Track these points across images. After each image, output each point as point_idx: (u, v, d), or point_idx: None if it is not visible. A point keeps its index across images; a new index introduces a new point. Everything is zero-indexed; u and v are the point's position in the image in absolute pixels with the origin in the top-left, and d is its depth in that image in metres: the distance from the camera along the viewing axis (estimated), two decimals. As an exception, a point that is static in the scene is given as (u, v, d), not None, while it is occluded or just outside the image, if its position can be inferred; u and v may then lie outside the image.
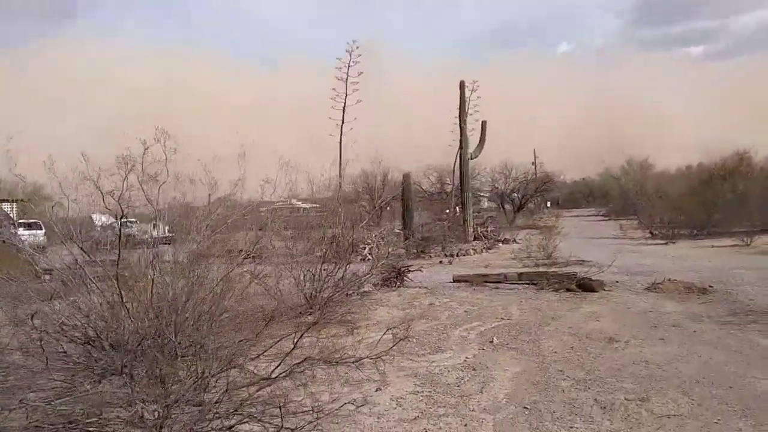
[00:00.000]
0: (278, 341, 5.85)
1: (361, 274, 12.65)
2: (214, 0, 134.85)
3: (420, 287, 14.91)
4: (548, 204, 66.23)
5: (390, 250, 26.83)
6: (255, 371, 5.73)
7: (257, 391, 5.20)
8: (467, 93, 32.41)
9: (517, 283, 14.69)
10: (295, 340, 5.45)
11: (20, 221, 35.70)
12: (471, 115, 32.41)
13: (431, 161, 48.22)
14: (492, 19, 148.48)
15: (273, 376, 5.37)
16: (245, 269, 8.79)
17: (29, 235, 34.52)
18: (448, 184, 42.52)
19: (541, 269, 15.97)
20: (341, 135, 29.29)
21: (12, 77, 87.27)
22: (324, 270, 11.74)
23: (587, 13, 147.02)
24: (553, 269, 16.28)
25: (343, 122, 29.46)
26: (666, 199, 33.69)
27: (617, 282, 14.72)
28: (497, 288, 14.51)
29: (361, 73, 30.36)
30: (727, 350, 8.53)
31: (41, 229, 36.83)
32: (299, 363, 5.40)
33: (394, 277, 14.92)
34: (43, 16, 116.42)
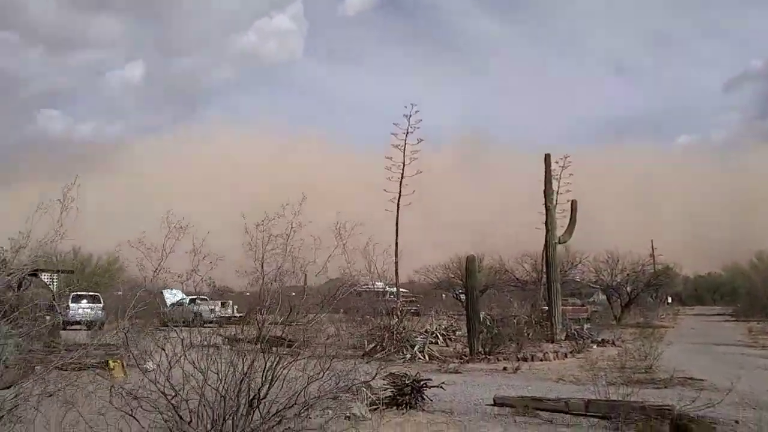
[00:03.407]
0: None
1: (337, 389, 8.59)
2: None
3: (442, 412, 10.62)
4: (669, 300, 59.19)
5: (446, 346, 22.87)
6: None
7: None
8: (557, 168, 28.12)
9: (584, 415, 10.13)
10: None
11: (78, 293, 34.36)
12: (561, 194, 28.00)
13: (526, 248, 43.64)
14: (605, 114, 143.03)
15: None
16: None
17: (87, 309, 32.68)
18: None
19: (623, 394, 11.04)
20: (398, 210, 25.54)
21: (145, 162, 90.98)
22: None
23: (705, 107, 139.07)
24: (640, 396, 11.40)
25: (400, 195, 25.70)
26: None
27: (737, 422, 9.79)
28: (551, 421, 10.01)
29: (422, 140, 26.74)
30: None
31: (100, 302, 34.87)
32: None
33: (408, 393, 10.71)
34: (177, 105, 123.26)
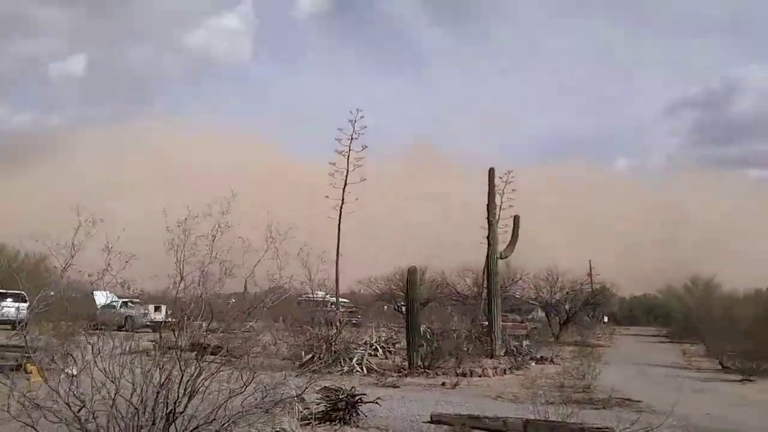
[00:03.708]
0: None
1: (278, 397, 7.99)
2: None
3: (377, 429, 10.13)
4: (605, 319, 60.06)
5: (385, 359, 22.41)
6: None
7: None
8: (500, 183, 28.00)
9: (522, 435, 9.80)
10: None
11: (1, 291, 32.56)
12: (504, 209, 27.87)
13: (468, 260, 43.53)
14: (547, 132, 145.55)
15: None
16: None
17: (12, 308, 30.99)
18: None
19: (562, 414, 10.75)
20: (340, 217, 24.89)
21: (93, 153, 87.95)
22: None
23: (645, 130, 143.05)
24: (580, 417, 11.13)
25: (342, 202, 25.08)
26: (738, 324, 27.92)
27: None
28: (490, 441, 9.64)
29: (366, 146, 26.11)
30: None
31: (25, 301, 33.16)
32: None
33: (343, 409, 10.18)
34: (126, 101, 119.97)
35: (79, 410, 6.42)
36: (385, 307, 51.69)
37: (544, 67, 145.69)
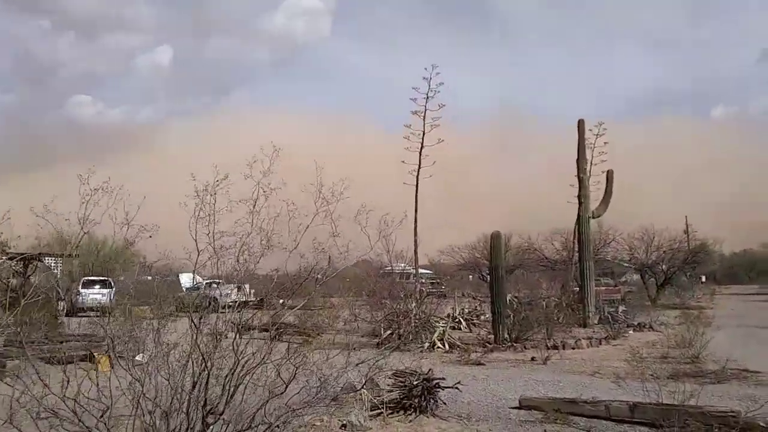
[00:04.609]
0: None
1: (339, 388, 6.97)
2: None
3: (458, 417, 8.94)
4: (703, 279, 56.63)
5: (469, 332, 21.12)
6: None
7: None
8: (591, 136, 25.93)
9: (629, 422, 8.41)
10: None
11: (89, 279, 33.15)
12: (596, 164, 25.83)
13: (556, 223, 41.53)
14: (641, 86, 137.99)
15: None
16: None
17: (98, 294, 31.52)
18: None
19: (674, 393, 9.16)
20: (417, 182, 23.31)
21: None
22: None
23: (742, 79, 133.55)
24: (697, 396, 9.52)
25: (419, 167, 23.41)
26: None
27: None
28: (588, 431, 8.28)
29: (443, 105, 24.12)
30: None
31: (111, 287, 33.74)
32: None
33: (418, 395, 9.05)
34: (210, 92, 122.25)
35: (101, 415, 5.56)
36: (471, 277, 50.35)
37: (637, 22, 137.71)
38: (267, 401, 5.82)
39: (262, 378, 6.19)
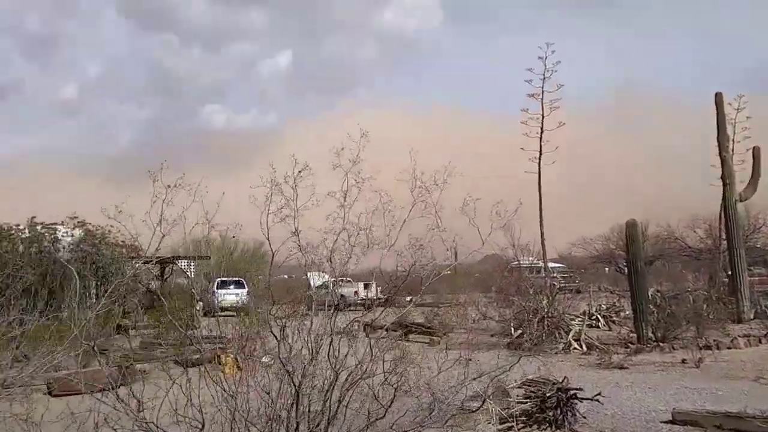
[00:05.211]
0: None
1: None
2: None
3: (600, 434, 7.90)
4: None
5: (608, 330, 19.52)
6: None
7: None
8: (731, 111, 23.38)
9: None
10: None
11: (223, 279, 34.36)
12: (738, 142, 23.30)
13: (697, 209, 38.41)
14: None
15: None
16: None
17: (233, 295, 32.66)
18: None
19: None
20: (539, 170, 21.80)
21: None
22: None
23: None
24: None
25: (540, 152, 21.86)
26: None
27: None
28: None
29: (562, 85, 22.29)
30: None
31: (244, 288, 34.88)
32: None
33: (553, 407, 8.06)
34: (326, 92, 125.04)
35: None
36: (606, 269, 47.82)
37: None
38: (367, 426, 5.13)
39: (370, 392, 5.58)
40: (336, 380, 5.27)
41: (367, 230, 5.95)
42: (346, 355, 5.46)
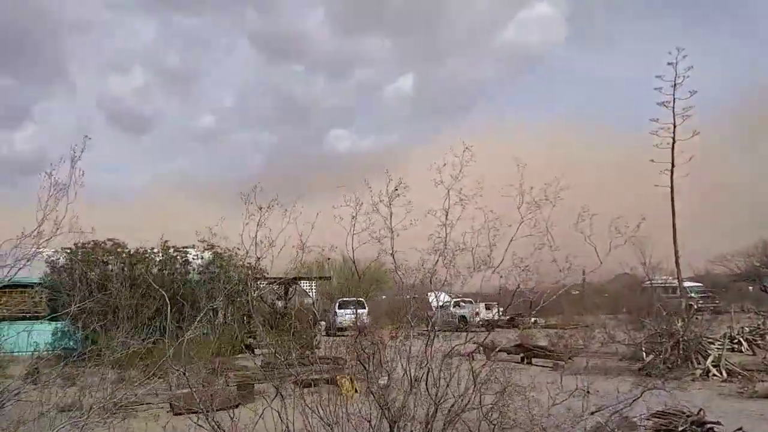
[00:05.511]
0: None
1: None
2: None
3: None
4: None
5: (752, 355, 17.83)
6: None
7: None
8: None
9: None
10: None
11: (344, 300, 34.99)
12: None
13: None
14: None
15: None
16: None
17: (351, 314, 33.19)
18: None
19: None
20: (672, 183, 20.30)
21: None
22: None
23: None
24: None
25: (673, 164, 20.33)
26: None
27: None
28: None
29: (695, 92, 20.62)
30: None
31: (364, 308, 35.36)
32: None
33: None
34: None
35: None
36: (750, 288, 44.41)
37: None
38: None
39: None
40: (436, 413, 4.98)
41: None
42: (447, 385, 5.15)
